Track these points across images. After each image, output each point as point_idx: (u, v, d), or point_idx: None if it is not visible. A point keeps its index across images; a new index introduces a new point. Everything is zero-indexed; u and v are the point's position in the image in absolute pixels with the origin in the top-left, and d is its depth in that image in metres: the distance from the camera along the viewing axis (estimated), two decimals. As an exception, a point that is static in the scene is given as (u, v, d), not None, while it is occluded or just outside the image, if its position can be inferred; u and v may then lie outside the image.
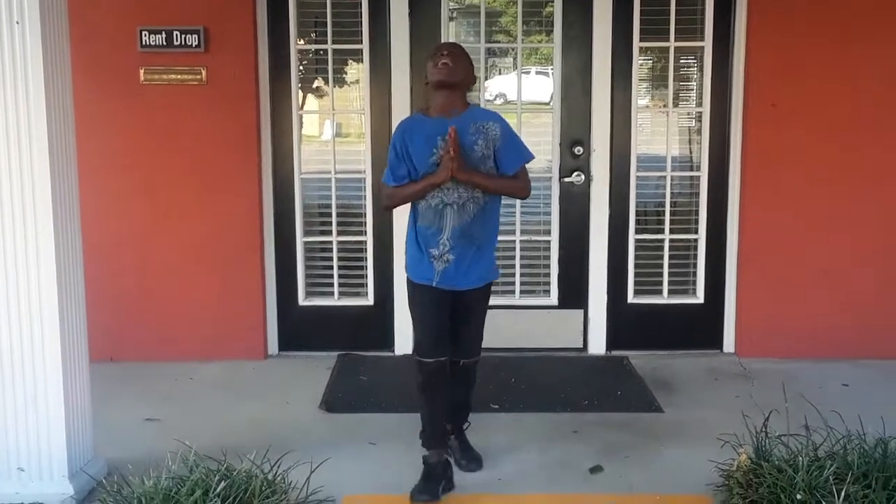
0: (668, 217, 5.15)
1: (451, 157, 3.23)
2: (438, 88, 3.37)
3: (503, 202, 3.57)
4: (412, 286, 3.50)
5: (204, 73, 4.78)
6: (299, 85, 5.06)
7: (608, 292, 5.14)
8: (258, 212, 4.97)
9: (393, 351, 5.13)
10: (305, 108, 5.18)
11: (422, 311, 3.48)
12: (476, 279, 3.46)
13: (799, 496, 2.76)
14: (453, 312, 3.48)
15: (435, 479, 3.33)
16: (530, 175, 5.02)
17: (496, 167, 3.41)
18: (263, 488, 2.88)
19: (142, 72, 4.77)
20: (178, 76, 4.79)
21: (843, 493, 2.69)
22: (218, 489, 2.76)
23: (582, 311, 5.17)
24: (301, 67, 5.10)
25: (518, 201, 5.09)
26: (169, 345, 4.98)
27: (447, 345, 3.44)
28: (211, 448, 3.08)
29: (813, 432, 3.17)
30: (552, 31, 5.02)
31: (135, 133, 4.84)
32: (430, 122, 3.38)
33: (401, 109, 4.94)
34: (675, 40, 5.00)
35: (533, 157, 3.54)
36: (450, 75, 3.33)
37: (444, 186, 3.35)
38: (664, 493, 3.33)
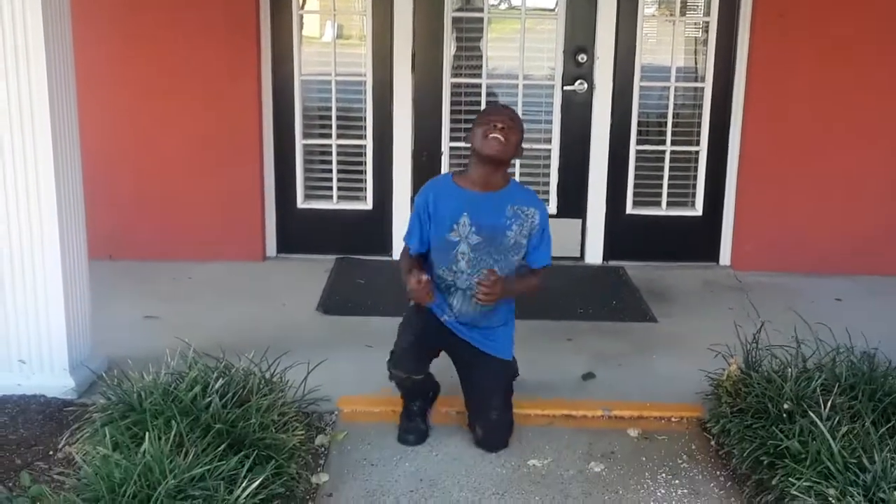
0: (669, 128, 5.11)
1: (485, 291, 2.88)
2: (483, 162, 2.95)
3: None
4: (414, 307, 3.10)
5: (202, -30, 4.67)
6: (300, -17, 4.96)
7: (607, 203, 5.14)
8: (257, 113, 4.92)
9: (391, 255, 5.15)
10: (306, 7, 5.07)
11: (410, 326, 3.08)
12: (484, 342, 3.07)
13: (786, 405, 2.80)
14: (464, 380, 3.15)
15: (415, 415, 3.18)
16: (531, 82, 5.07)
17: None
18: (261, 386, 2.92)
19: (138, -33, 4.66)
20: (176, -27, 4.69)
21: (829, 404, 2.74)
22: (216, 386, 2.79)
23: (580, 220, 5.18)
24: (302, -35, 4.99)
25: (520, 109, 5.06)
26: (168, 244, 4.99)
27: (423, 361, 3.08)
28: (209, 346, 3.11)
29: (803, 344, 3.21)
30: (560, -67, 4.90)
31: (130, 31, 4.76)
32: (461, 193, 2.98)
33: (403, 12, 4.87)
34: (686, -54, 4.89)
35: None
36: (501, 152, 2.91)
37: (456, 269, 2.99)
38: (655, 401, 3.39)
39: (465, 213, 2.95)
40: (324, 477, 2.86)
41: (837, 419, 2.67)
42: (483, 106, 5.05)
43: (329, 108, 5.10)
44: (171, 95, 4.83)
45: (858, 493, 2.34)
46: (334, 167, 5.16)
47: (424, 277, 2.91)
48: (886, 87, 4.84)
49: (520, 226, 2.98)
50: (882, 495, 2.33)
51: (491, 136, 2.89)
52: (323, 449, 3.04)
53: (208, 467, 2.40)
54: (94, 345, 3.52)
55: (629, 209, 5.18)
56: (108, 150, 4.80)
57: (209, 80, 4.82)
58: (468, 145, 3.02)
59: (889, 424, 2.74)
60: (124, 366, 3.08)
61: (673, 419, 3.30)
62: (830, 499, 2.36)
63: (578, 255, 5.22)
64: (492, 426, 3.06)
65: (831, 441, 2.53)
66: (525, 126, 4.97)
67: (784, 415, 2.79)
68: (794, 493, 2.44)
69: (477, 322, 3.06)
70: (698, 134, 5.12)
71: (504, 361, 3.13)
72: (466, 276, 2.98)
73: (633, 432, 3.19)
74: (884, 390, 2.93)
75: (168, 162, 4.93)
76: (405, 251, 3.14)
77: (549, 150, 5.13)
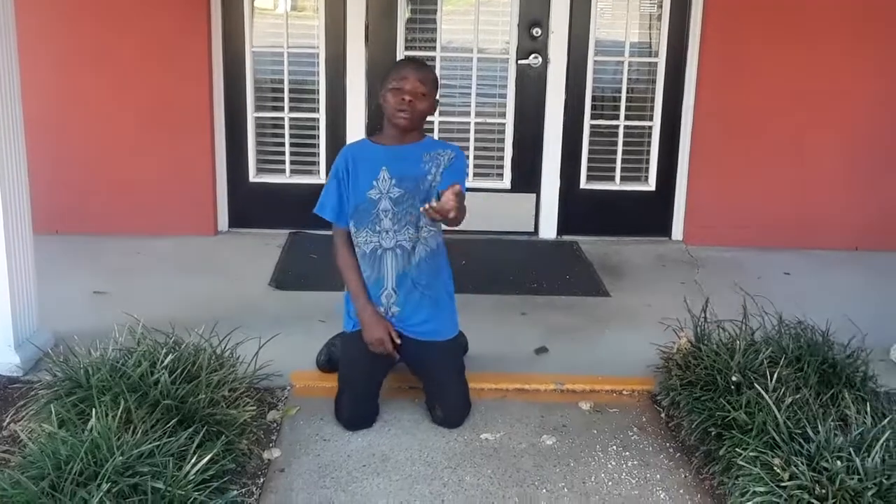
0: (623, 103, 5.13)
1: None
2: (394, 127, 2.97)
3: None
4: (347, 338, 3.12)
5: (150, -64, 4.57)
6: (251, -47, 4.87)
7: (561, 177, 5.15)
8: (208, 85, 4.84)
9: (344, 230, 5.11)
10: (257, -23, 5.00)
11: (349, 368, 3.07)
12: (425, 332, 3.04)
13: (734, 378, 2.84)
14: (415, 371, 3.15)
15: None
16: (485, 56, 5.05)
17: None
18: (212, 362, 2.89)
19: (84, -68, 4.54)
20: (123, -61, 4.58)
21: (775, 376, 2.78)
22: (165, 361, 2.76)
23: (534, 195, 5.19)
24: (253, -66, 4.90)
25: (475, 83, 5.04)
26: (117, 218, 4.91)
27: (369, 418, 3.03)
28: (159, 322, 3.07)
29: (752, 318, 3.25)
30: None
31: (79, 3, 4.65)
32: (378, 149, 3.00)
33: (357, -19, 4.82)
34: (640, -80, 4.88)
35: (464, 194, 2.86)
36: (410, 125, 2.95)
37: (381, 229, 2.96)
38: (607, 374, 3.42)
39: (385, 167, 2.95)
40: (276, 452, 2.85)
41: (783, 390, 2.72)
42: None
43: (281, 81, 5.03)
44: (118, 67, 4.74)
45: (802, 463, 2.38)
46: (287, 141, 5.11)
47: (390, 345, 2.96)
48: (838, 63, 4.89)
49: (437, 167, 2.98)
50: (825, 464, 2.37)
51: (399, 111, 2.91)
52: (275, 424, 3.02)
53: (157, 443, 2.37)
54: (41, 321, 3.45)
55: (583, 184, 5.20)
56: (54, 121, 4.70)
57: (158, 51, 4.73)
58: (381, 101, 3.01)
59: (830, 392, 2.80)
60: (71, 342, 3.04)
61: (624, 392, 3.33)
62: (775, 468, 2.40)
63: (532, 229, 5.24)
64: (452, 405, 3.06)
65: (776, 412, 2.58)
66: (479, 100, 5.07)
67: (732, 387, 2.83)
68: (741, 462, 2.48)
69: (420, 280, 3.01)
70: (652, 109, 5.14)
71: (451, 340, 3.13)
72: (392, 234, 2.97)
73: (584, 405, 3.22)
74: (828, 362, 3.00)
75: (116, 134, 4.83)
76: (339, 240, 3.09)
77: (504, 125, 5.13)
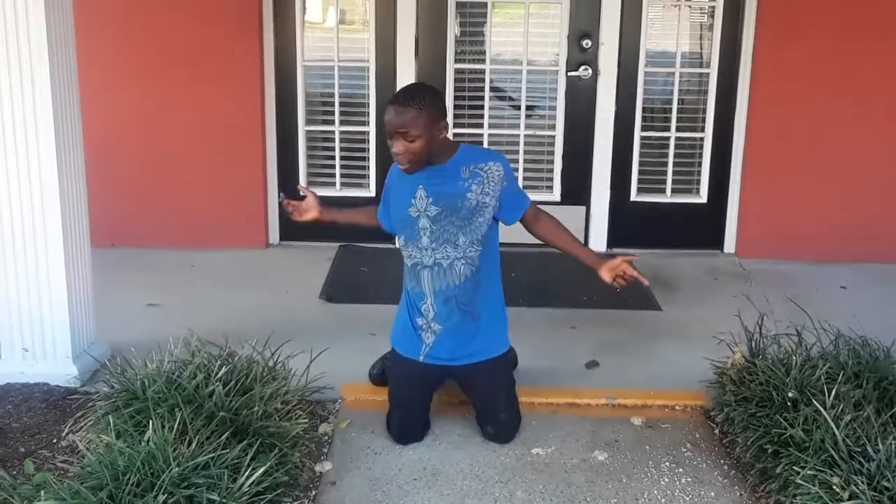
0: (674, 115, 5.09)
1: None
2: None
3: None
4: (394, 355, 3.12)
5: (204, -46, 4.65)
6: (302, -31, 4.93)
7: (611, 190, 5.12)
8: (260, 100, 4.91)
9: (394, 242, 5.11)
10: (309, -7, 5.06)
11: (397, 390, 3.09)
12: (473, 353, 3.00)
13: (790, 394, 2.79)
14: (465, 390, 3.12)
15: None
16: (535, 68, 5.04)
17: (494, 214, 2.95)
18: (264, 374, 2.91)
19: (140, -48, 4.64)
20: (178, -42, 4.66)
21: (833, 392, 2.72)
22: (219, 374, 2.79)
23: (584, 207, 5.16)
24: (304, -50, 4.96)
25: (524, 95, 5.04)
26: (170, 232, 4.99)
27: (419, 433, 3.05)
28: (212, 334, 3.10)
29: (808, 332, 3.19)
30: (564, -83, 4.86)
31: (133, 20, 4.75)
32: None
33: (407, -4, 4.84)
34: (691, -69, 4.85)
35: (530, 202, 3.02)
36: (413, 165, 2.86)
37: (422, 246, 2.94)
38: (659, 389, 3.38)
39: (421, 186, 2.92)
40: (327, 465, 2.86)
41: (841, 407, 2.66)
42: (487, 93, 5.04)
43: (332, 95, 5.08)
44: (172, 82, 4.82)
45: (862, 482, 2.33)
46: (337, 154, 5.15)
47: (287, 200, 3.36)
48: (892, 74, 4.81)
49: (479, 184, 2.89)
50: (886, 483, 2.32)
51: (394, 154, 2.87)
52: (326, 437, 3.04)
53: (212, 455, 2.39)
54: (98, 333, 3.52)
55: (633, 196, 5.16)
56: (110, 138, 4.78)
57: (211, 66, 4.81)
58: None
59: (892, 411, 2.73)
60: (127, 354, 3.08)
61: (677, 407, 3.30)
62: (834, 487, 2.35)
63: (582, 242, 5.18)
64: (502, 422, 3.04)
65: (835, 429, 2.52)
66: (529, 112, 5.05)
67: (788, 403, 2.78)
68: (798, 481, 2.44)
69: (460, 298, 2.96)
70: (703, 120, 5.09)
71: (501, 356, 3.08)
72: (431, 252, 2.94)
73: (636, 420, 3.19)
74: (888, 379, 2.92)
75: (170, 149, 4.92)
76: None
77: (553, 137, 5.11)
